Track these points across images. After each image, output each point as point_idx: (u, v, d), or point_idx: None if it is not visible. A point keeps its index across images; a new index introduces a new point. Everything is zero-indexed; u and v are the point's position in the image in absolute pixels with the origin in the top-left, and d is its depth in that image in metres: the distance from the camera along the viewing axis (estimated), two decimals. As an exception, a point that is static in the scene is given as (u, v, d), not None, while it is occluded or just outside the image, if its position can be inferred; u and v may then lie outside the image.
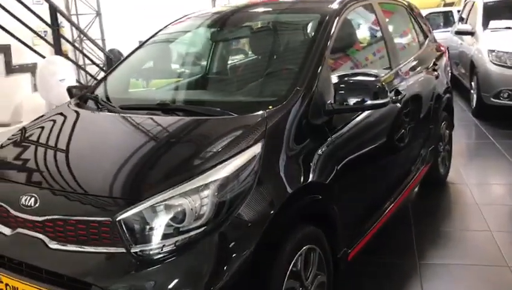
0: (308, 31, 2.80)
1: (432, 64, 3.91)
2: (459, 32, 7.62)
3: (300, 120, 2.22)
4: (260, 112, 2.14)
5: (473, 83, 6.94)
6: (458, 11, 10.03)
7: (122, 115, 2.45)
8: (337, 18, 2.73)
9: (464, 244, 3.24)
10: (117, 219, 1.73)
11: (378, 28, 3.24)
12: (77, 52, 9.45)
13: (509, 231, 3.37)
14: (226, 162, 1.87)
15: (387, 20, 3.42)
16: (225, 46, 3.14)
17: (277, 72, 2.64)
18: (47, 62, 5.93)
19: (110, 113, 2.53)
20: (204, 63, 3.21)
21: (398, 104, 3.04)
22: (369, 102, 2.34)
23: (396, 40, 3.59)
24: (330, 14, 2.73)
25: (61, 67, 5.81)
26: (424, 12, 11.43)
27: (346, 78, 2.42)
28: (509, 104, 6.10)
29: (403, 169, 3.36)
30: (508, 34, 6.72)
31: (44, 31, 7.29)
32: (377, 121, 2.81)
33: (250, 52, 3.12)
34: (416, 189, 4.18)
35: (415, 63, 3.65)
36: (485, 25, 7.10)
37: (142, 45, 3.16)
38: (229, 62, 3.09)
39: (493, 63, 6.25)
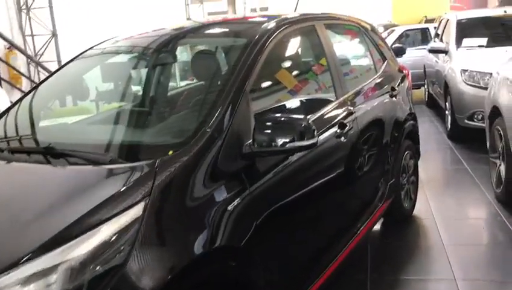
0: (230, 58, 2.41)
1: (390, 89, 3.55)
2: (432, 51, 7.31)
3: (206, 168, 1.82)
4: (150, 161, 1.74)
5: (447, 104, 6.62)
6: (434, 28, 9.78)
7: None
8: (266, 43, 2.35)
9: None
10: None
11: (321, 54, 2.88)
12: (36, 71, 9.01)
13: (475, 279, 2.98)
14: (87, 234, 1.46)
15: (335, 44, 3.06)
16: (139, 77, 2.75)
17: (187, 108, 2.24)
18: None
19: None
20: (116, 95, 2.82)
21: (343, 139, 2.66)
22: (292, 144, 1.96)
23: (346, 66, 3.22)
24: (258, 39, 2.35)
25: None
26: (401, 29, 11.31)
27: (268, 116, 2.04)
28: (483, 126, 5.76)
29: (353, 211, 2.97)
30: (481, 52, 6.43)
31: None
32: (314, 160, 2.42)
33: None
34: (379, 224, 3.80)
35: (368, 89, 3.29)
36: (459, 43, 6.80)
37: (52, 74, 2.76)
38: (141, 96, 2.69)
39: (466, 84, 5.92)
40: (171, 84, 2.69)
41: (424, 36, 11.11)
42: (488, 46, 6.57)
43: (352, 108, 2.90)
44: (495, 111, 4.20)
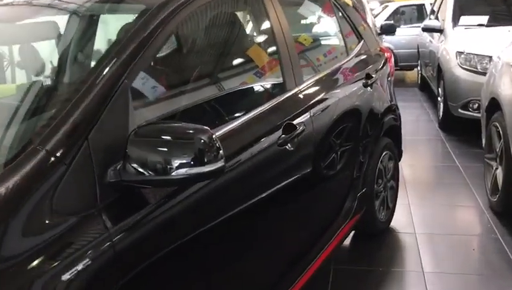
0: (108, 34, 1.69)
1: (364, 76, 2.84)
2: (426, 29, 6.56)
3: (31, 210, 1.14)
4: None
5: (440, 89, 5.91)
6: (430, 4, 9.00)
7: None
8: (174, 13, 1.64)
9: None
10: None
11: (266, 31, 2.16)
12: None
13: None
14: None
15: (291, 19, 2.34)
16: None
17: (21, 112, 1.52)
18: None
19: None
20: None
21: (289, 146, 1.97)
22: (183, 170, 1.27)
23: (303, 48, 2.51)
24: (159, 7, 1.64)
25: None
26: (395, 5, 10.49)
27: (150, 126, 1.35)
28: (479, 117, 5.08)
29: (306, 237, 2.29)
30: (480, 32, 5.70)
31: None
32: (241, 180, 1.73)
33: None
34: (348, 240, 3.14)
35: (333, 76, 2.59)
36: (456, 21, 6.06)
37: None
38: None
39: (461, 67, 5.20)
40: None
41: (420, 13, 10.33)
42: (488, 25, 5.83)
43: (307, 103, 2.20)
44: (494, 103, 3.50)
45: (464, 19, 5.96)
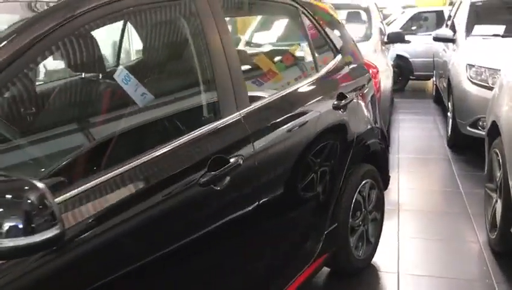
0: None
1: (337, 97, 2.48)
2: (437, 39, 6.10)
3: None
4: None
5: (449, 104, 5.47)
6: (449, 10, 8.51)
7: None
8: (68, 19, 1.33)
9: None
10: None
11: (198, 44, 1.82)
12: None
13: None
14: None
15: (232, 30, 2.00)
16: None
17: None
18: None
19: None
20: None
21: (215, 186, 1.63)
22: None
23: (252, 65, 2.17)
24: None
25: None
26: (411, 12, 10.00)
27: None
28: (488, 137, 4.63)
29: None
30: (495, 43, 5.23)
31: None
32: (149, 226, 1.42)
33: None
34: (320, 277, 2.78)
35: (293, 98, 2.23)
36: (469, 30, 5.61)
37: None
38: None
39: (471, 82, 4.76)
40: None
41: (439, 20, 9.82)
42: (505, 35, 5.36)
43: (251, 130, 1.86)
44: (495, 127, 3.09)
45: (478, 29, 5.51)
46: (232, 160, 1.71)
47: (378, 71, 2.97)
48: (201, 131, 1.69)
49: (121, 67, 1.99)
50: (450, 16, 7.36)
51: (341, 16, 6.33)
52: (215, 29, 1.81)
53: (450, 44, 6.05)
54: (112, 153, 1.51)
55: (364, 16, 6.00)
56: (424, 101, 8.09)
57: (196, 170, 1.60)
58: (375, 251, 2.97)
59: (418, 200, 4.02)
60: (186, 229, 1.57)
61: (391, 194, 3.99)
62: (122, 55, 2.42)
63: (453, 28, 6.39)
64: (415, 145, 5.53)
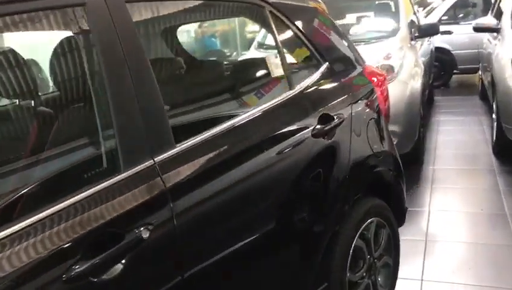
0: None
1: (317, 120, 1.89)
2: (478, 29, 5.31)
3: None
4: None
5: (494, 104, 4.71)
6: (496, -4, 7.60)
7: None
8: None
9: None
10: None
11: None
12: None
13: None
14: None
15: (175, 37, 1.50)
16: None
17: None
18: None
19: None
20: None
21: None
22: None
23: (194, 85, 1.63)
24: None
25: None
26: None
27: None
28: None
29: None
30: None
31: None
32: None
33: None
34: None
35: (244, 129, 1.67)
36: (517, 18, 4.81)
37: None
38: None
39: (517, 79, 4.01)
40: None
41: (486, 7, 8.87)
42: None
43: (169, 184, 1.33)
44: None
45: (527, 15, 4.71)
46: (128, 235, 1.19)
47: (383, 81, 2.34)
48: (86, 192, 1.18)
49: None
50: (495, 2, 6.51)
51: (369, 8, 5.68)
52: (117, 49, 1.29)
53: (496, 33, 5.25)
54: None
55: (393, 7, 5.31)
56: (469, 98, 7.24)
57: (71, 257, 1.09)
58: (388, 304, 2.36)
59: (451, 226, 3.32)
60: None
61: (419, 219, 3.35)
62: None
63: (498, 15, 5.58)
64: (455, 154, 4.79)
